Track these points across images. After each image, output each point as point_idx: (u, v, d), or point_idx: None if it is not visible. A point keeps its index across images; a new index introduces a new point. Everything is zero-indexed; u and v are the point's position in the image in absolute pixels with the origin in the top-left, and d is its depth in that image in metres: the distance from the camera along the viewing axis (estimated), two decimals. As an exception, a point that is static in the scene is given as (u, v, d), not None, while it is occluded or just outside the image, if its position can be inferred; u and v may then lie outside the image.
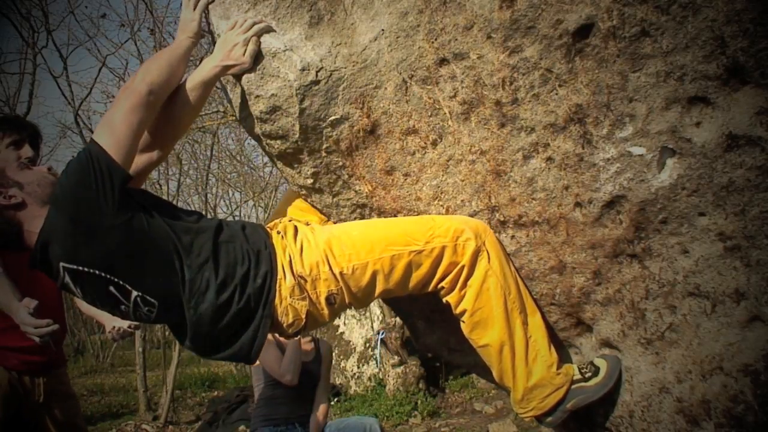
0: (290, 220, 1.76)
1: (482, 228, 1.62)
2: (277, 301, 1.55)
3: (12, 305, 2.04)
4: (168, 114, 1.60)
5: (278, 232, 1.62)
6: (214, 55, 1.62)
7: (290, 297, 1.55)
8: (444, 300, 1.64)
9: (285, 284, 1.54)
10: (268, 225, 1.77)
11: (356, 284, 1.57)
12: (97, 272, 1.46)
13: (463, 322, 1.62)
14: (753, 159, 1.39)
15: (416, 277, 1.58)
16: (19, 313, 2.00)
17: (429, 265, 1.57)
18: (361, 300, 1.63)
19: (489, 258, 1.57)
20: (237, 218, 11.68)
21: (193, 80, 1.61)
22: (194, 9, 1.68)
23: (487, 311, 1.57)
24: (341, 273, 1.55)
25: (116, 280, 1.48)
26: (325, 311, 1.58)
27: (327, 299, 1.56)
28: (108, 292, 1.50)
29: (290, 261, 1.56)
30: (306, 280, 1.55)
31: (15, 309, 2.02)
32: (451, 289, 1.60)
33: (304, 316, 1.57)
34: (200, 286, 1.51)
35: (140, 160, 1.63)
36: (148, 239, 1.47)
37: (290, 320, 1.57)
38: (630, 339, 1.62)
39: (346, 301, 1.59)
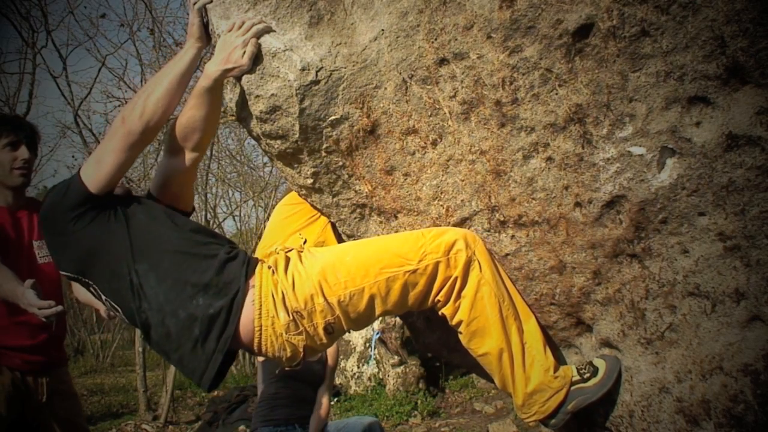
0: (285, 249, 1.74)
1: (471, 238, 1.62)
2: (272, 338, 1.56)
3: (17, 290, 2.03)
4: (188, 124, 1.67)
5: (269, 267, 1.61)
6: (215, 58, 1.64)
7: (286, 333, 1.56)
8: (440, 313, 1.64)
9: (279, 322, 1.55)
10: (266, 253, 1.79)
11: (354, 310, 1.57)
12: (76, 276, 1.64)
13: (461, 333, 1.63)
14: (753, 159, 1.39)
15: (413, 296, 1.59)
16: (26, 295, 1.99)
17: (424, 282, 1.58)
18: (360, 324, 1.64)
19: (480, 267, 1.58)
20: (237, 218, 11.68)
21: (199, 87, 1.65)
22: (193, 11, 1.70)
23: (483, 320, 1.57)
24: (339, 301, 1.55)
25: (90, 282, 1.63)
26: (324, 340, 1.60)
27: (325, 329, 1.57)
28: (92, 293, 1.66)
29: (283, 297, 1.55)
30: (302, 315, 1.55)
31: (21, 293, 2.01)
32: (446, 302, 1.60)
33: (301, 350, 1.58)
34: (147, 295, 1.57)
35: (177, 163, 1.72)
36: (101, 245, 1.59)
37: (288, 354, 1.59)
38: (630, 339, 1.62)
39: (345, 327, 1.61)
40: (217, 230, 9.50)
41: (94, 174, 1.58)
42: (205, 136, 1.71)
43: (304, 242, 1.88)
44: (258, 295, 1.56)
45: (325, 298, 1.55)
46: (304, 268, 1.60)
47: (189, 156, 1.72)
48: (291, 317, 1.54)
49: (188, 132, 1.68)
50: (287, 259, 1.64)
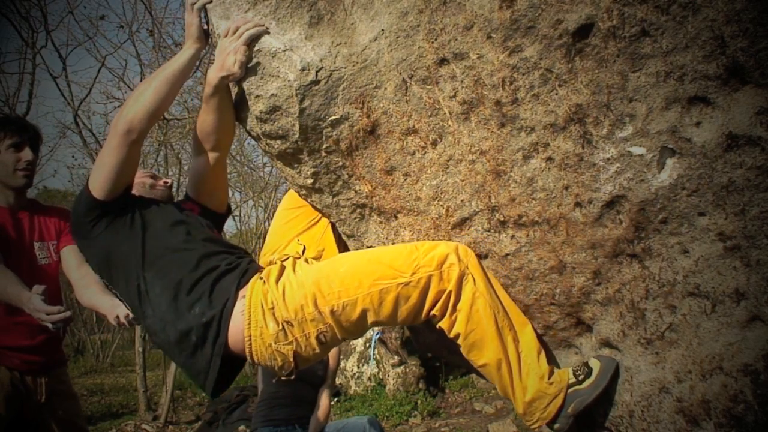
0: (282, 258, 1.76)
1: (463, 251, 1.63)
2: (262, 348, 1.58)
3: (23, 295, 2.04)
4: (202, 128, 1.77)
5: (260, 278, 1.64)
6: (214, 63, 1.67)
7: (275, 343, 1.57)
8: (437, 327, 1.65)
9: (267, 332, 1.57)
10: (266, 261, 1.85)
11: (347, 320, 1.58)
12: (102, 279, 1.77)
13: (460, 345, 1.64)
14: (753, 159, 1.39)
15: (405, 309, 1.60)
16: (32, 300, 1.99)
17: (417, 295, 1.58)
18: (353, 334, 1.67)
19: (474, 280, 1.59)
20: (237, 218, 11.67)
21: (204, 94, 1.71)
22: (192, 12, 1.71)
23: (480, 332, 1.58)
24: (332, 311, 1.56)
25: (107, 284, 1.75)
26: (317, 350, 1.61)
27: (317, 338, 1.59)
28: (113, 294, 1.80)
29: (273, 307, 1.57)
30: (292, 324, 1.57)
31: (26, 298, 2.02)
32: (442, 316, 1.61)
33: (292, 359, 1.60)
34: (152, 301, 1.63)
35: (204, 163, 1.84)
36: (117, 249, 1.68)
37: (279, 363, 1.61)
38: (630, 339, 1.62)
39: (338, 336, 1.62)
40: (217, 230, 9.49)
41: (96, 180, 1.65)
42: (221, 137, 1.79)
43: (303, 250, 1.90)
44: (247, 305, 1.58)
45: (317, 308, 1.56)
46: (297, 277, 1.62)
47: (211, 156, 1.82)
48: (280, 327, 1.56)
49: (204, 135, 1.78)
50: (282, 269, 1.66)
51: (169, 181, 1.98)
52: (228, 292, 1.60)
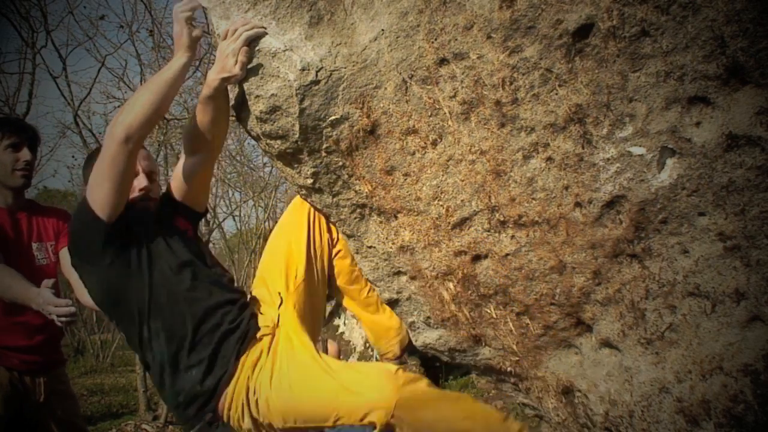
0: (268, 327, 1.76)
1: (390, 400, 1.52)
2: (240, 428, 1.67)
3: (30, 291, 2.04)
4: (196, 129, 1.75)
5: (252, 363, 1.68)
6: (214, 66, 1.66)
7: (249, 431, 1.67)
8: None
9: (243, 423, 1.66)
10: (256, 292, 1.89)
11: (307, 426, 1.64)
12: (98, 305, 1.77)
13: None
14: (753, 159, 1.40)
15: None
16: (42, 294, 1.99)
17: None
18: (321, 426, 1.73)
19: (403, 429, 1.54)
20: (237, 218, 11.67)
21: (202, 95, 1.70)
22: (181, 21, 1.71)
23: None
24: (285, 426, 1.64)
25: (105, 316, 1.77)
26: None
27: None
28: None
29: (248, 404, 1.64)
30: (262, 424, 1.66)
31: (35, 293, 2.02)
32: None
33: None
34: (153, 350, 1.67)
35: (193, 165, 1.82)
36: (121, 290, 1.67)
37: None
38: (630, 339, 1.62)
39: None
40: (217, 230, 9.50)
41: (99, 197, 1.61)
42: (214, 138, 1.79)
43: (280, 303, 1.86)
44: (232, 390, 1.65)
45: (274, 420, 1.64)
46: (271, 384, 1.64)
47: (202, 158, 1.81)
48: (252, 422, 1.65)
49: (197, 136, 1.76)
50: (272, 364, 1.68)
51: (144, 185, 1.82)
52: (227, 364, 1.66)
